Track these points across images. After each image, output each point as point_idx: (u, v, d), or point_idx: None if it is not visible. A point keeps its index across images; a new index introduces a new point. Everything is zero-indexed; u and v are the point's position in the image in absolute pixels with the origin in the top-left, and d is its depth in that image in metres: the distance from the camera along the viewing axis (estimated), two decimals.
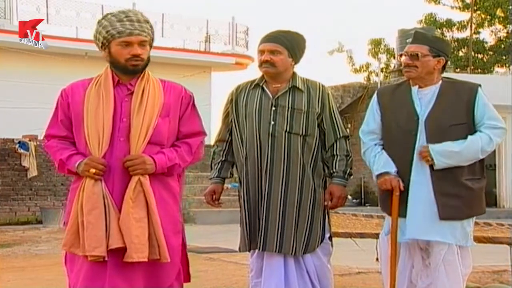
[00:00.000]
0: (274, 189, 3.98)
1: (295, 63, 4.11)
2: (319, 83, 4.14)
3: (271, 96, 4.06)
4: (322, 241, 4.07)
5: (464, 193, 3.88)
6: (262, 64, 4.03)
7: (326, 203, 4.09)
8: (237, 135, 4.12)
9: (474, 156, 3.89)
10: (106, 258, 3.27)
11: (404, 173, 3.95)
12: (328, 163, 4.11)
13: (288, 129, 4.00)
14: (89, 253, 3.26)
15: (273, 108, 4.03)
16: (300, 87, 4.07)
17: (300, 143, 4.01)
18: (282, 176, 3.99)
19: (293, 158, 4.00)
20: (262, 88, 4.09)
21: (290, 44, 4.04)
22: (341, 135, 4.10)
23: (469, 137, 3.89)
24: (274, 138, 4.00)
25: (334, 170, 4.07)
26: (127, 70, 3.42)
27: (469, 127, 3.92)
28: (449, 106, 3.94)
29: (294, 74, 4.11)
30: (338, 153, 4.08)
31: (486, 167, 4.11)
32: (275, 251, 3.96)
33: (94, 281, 3.31)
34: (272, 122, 4.01)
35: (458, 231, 3.89)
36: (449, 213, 3.86)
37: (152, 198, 3.33)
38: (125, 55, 3.38)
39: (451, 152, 3.85)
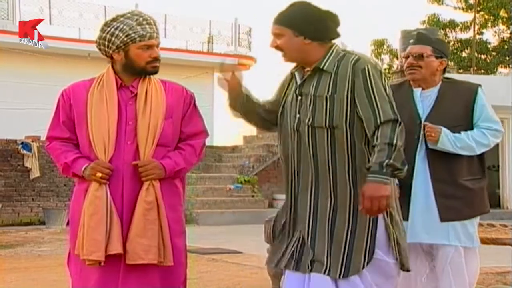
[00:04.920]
0: (302, 198, 3.23)
1: (312, 39, 3.18)
2: (353, 57, 3.18)
3: (297, 83, 3.27)
4: (370, 259, 3.13)
5: (463, 193, 3.87)
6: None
7: (360, 207, 3.09)
8: (278, 130, 3.38)
9: (470, 144, 3.87)
10: (102, 264, 3.26)
11: (406, 176, 3.93)
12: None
13: (310, 122, 3.17)
14: (87, 257, 3.26)
15: (299, 98, 3.24)
16: (326, 68, 3.17)
17: (329, 137, 3.16)
18: (310, 181, 3.20)
19: (320, 158, 3.17)
20: (293, 75, 3.33)
21: (291, 20, 3.19)
22: (384, 119, 3.08)
23: (463, 132, 3.90)
24: (298, 134, 3.21)
25: (370, 164, 3.08)
26: (146, 72, 3.42)
27: (467, 128, 3.92)
28: (448, 108, 3.93)
29: (328, 51, 3.20)
30: (377, 142, 3.07)
31: (489, 168, 4.10)
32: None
33: (107, 283, 3.31)
34: (298, 115, 3.22)
35: (461, 233, 3.87)
36: (449, 214, 3.84)
37: (162, 202, 3.33)
38: (146, 58, 3.38)
39: (455, 137, 3.84)
